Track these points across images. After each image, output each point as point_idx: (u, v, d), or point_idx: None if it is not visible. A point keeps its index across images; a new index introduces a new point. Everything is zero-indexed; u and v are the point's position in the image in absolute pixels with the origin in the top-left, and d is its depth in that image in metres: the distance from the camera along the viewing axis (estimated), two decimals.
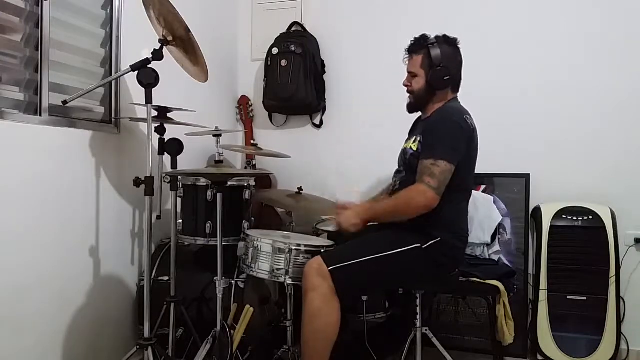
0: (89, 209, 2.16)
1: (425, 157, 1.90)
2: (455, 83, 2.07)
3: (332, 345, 1.87)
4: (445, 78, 2.02)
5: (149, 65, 1.89)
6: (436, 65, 2.00)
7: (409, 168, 2.04)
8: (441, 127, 1.96)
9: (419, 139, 2.00)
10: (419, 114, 2.18)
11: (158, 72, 1.89)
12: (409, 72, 2.09)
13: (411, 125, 2.26)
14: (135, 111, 2.39)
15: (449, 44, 2.04)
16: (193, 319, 2.18)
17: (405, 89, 2.11)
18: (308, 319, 1.86)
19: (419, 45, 2.05)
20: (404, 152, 2.09)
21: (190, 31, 1.87)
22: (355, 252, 1.92)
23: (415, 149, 2.01)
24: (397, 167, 2.17)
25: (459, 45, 2.06)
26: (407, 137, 2.20)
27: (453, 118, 1.96)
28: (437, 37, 2.04)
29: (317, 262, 1.88)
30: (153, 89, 1.89)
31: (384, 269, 1.91)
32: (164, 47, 1.95)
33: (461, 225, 2.04)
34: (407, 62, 2.10)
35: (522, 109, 2.78)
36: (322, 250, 1.99)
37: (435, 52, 2.00)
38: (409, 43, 2.09)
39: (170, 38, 1.97)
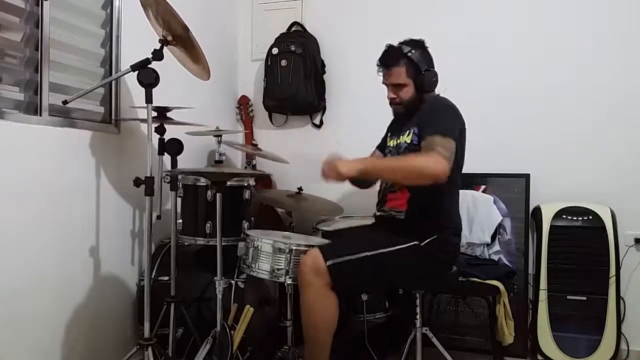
0: (88, 209, 2.16)
1: (432, 134, 1.84)
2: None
3: (332, 334, 1.88)
4: (434, 79, 2.03)
5: (149, 65, 1.89)
6: (423, 70, 1.99)
7: None
8: (441, 111, 1.97)
9: (413, 130, 1.99)
10: None
11: (158, 72, 1.89)
12: (393, 85, 2.04)
13: (389, 124, 2.26)
14: (135, 111, 2.38)
15: (421, 46, 2.03)
16: (193, 319, 2.18)
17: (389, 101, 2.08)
18: (306, 314, 1.88)
19: (397, 56, 2.00)
20: (398, 147, 2.08)
21: (188, 29, 1.87)
22: (352, 247, 1.92)
23: (409, 141, 2.00)
24: None
25: (427, 46, 2.05)
26: (390, 135, 2.19)
27: (449, 103, 1.99)
28: (408, 43, 2.01)
29: (311, 259, 1.87)
30: (153, 89, 1.89)
31: (382, 266, 1.92)
32: (164, 47, 1.95)
33: (455, 220, 2.07)
34: (386, 76, 2.05)
35: (522, 108, 2.78)
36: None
37: (417, 57, 1.98)
38: (382, 56, 2.04)
39: (170, 38, 1.97)
